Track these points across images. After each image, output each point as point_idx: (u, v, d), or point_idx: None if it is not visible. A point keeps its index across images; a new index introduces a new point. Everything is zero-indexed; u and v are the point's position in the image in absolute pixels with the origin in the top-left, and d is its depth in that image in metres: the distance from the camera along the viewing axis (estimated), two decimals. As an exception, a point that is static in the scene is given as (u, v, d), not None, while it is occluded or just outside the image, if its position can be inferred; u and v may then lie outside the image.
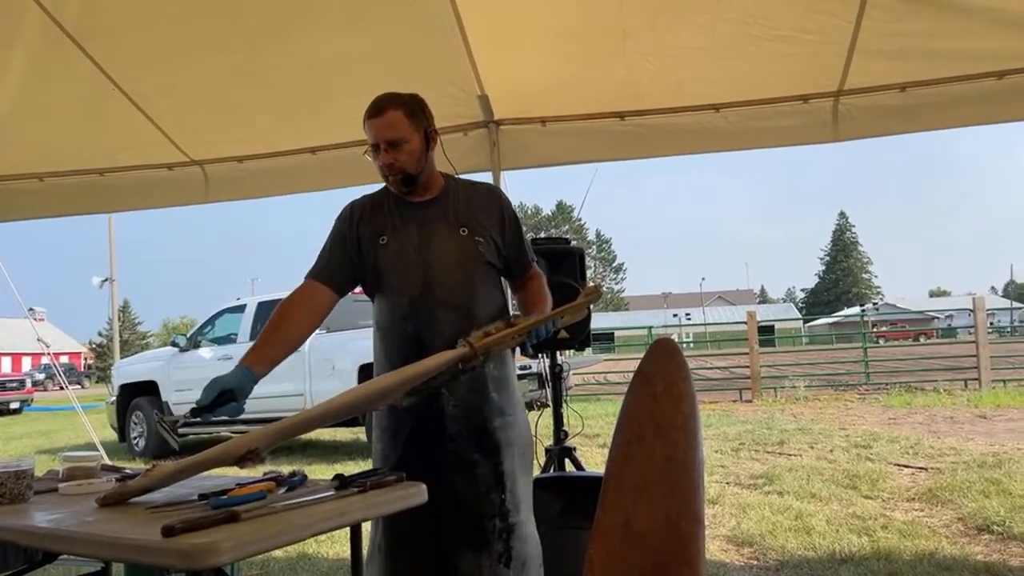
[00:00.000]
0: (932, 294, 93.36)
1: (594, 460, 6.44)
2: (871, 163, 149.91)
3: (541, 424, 3.65)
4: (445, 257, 2.05)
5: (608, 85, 3.29)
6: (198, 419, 1.86)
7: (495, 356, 2.00)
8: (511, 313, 2.14)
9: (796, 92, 3.19)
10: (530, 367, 7.84)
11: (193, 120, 3.61)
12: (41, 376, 35.19)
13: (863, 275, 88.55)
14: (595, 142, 3.46)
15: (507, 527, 2.04)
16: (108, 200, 4.06)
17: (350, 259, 2.13)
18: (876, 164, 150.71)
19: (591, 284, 2.25)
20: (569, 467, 3.24)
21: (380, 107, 2.04)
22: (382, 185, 2.18)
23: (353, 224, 2.14)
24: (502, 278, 2.20)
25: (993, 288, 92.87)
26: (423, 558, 1.99)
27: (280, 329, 2.03)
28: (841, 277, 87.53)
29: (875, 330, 36.85)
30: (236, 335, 8.87)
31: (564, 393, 3.38)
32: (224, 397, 1.83)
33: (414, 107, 2.08)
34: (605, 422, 9.25)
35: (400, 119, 2.03)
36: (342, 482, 1.68)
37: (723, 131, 3.31)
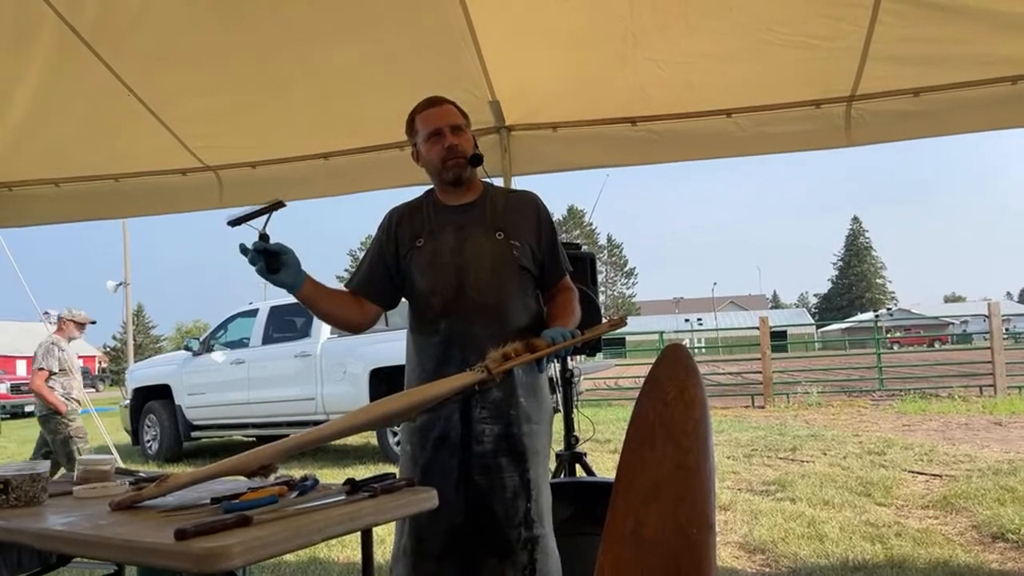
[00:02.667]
0: (947, 299, 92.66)
1: (605, 466, 6.42)
2: (884, 168, 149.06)
3: (552, 429, 3.65)
4: (479, 260, 2.06)
5: (619, 90, 3.29)
6: (242, 222, 1.84)
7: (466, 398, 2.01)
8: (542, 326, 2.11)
9: (808, 97, 3.18)
10: (541, 372, 7.83)
11: (207, 126, 3.64)
12: (56, 379, 35.39)
13: (877, 280, 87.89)
14: (606, 147, 3.46)
15: (532, 538, 2.03)
16: (123, 206, 4.10)
17: (388, 270, 2.17)
18: (890, 169, 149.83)
19: (618, 316, 2.26)
20: (580, 472, 3.23)
21: (438, 99, 2.17)
22: (425, 189, 2.24)
23: (391, 231, 2.18)
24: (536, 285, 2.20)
25: (1009, 294, 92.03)
26: (447, 562, 1.98)
27: (337, 296, 2.15)
28: (855, 282, 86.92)
29: (889, 336, 36.57)
30: (248, 339, 8.91)
31: (575, 398, 3.37)
32: (278, 259, 1.88)
33: (462, 110, 2.20)
34: (616, 427, 9.22)
35: (456, 112, 2.16)
36: (353, 486, 1.69)
37: (735, 136, 3.30)
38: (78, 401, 5.99)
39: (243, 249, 1.84)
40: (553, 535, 2.13)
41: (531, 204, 2.21)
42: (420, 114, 2.15)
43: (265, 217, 1.82)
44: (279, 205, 1.82)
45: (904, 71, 3.01)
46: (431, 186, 2.24)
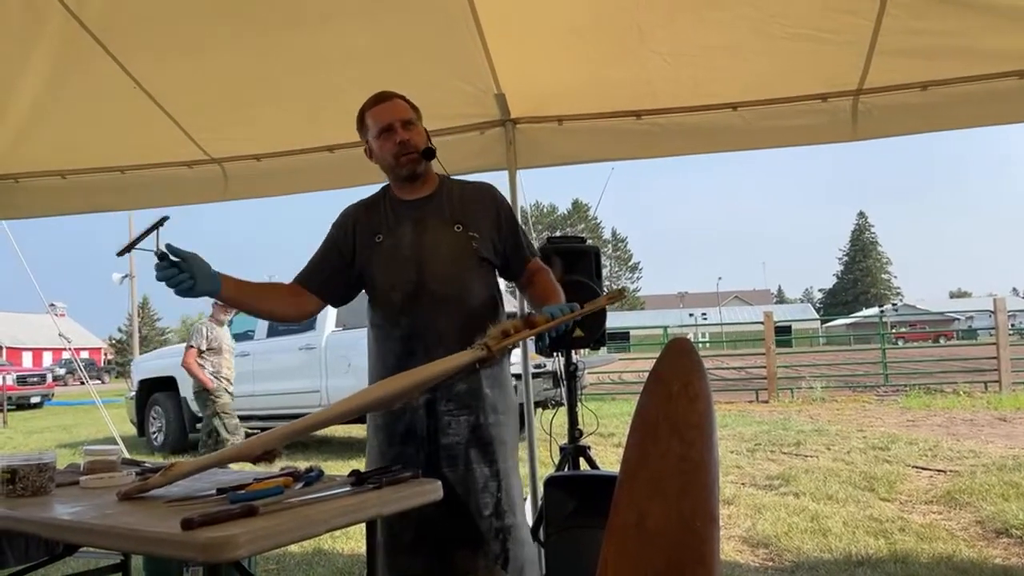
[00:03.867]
0: (952, 295, 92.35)
1: (609, 459, 6.43)
2: (891, 163, 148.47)
3: (556, 423, 3.66)
4: (439, 252, 2.07)
5: (624, 84, 3.28)
6: (132, 247, 1.75)
7: (465, 377, 2.03)
8: (526, 311, 2.14)
9: (815, 91, 3.16)
10: (545, 365, 7.84)
11: (212, 118, 3.64)
12: (62, 371, 35.59)
13: (882, 275, 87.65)
14: (611, 141, 3.45)
15: (503, 527, 2.04)
16: (129, 198, 4.11)
17: (343, 267, 2.15)
18: (896, 164, 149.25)
19: (616, 288, 2.24)
20: (584, 466, 3.24)
21: (386, 94, 2.15)
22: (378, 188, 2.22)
23: (349, 229, 2.17)
24: (498, 276, 2.22)
25: (1015, 289, 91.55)
26: (419, 555, 1.99)
27: (266, 286, 2.10)
28: (860, 277, 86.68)
29: (894, 331, 36.48)
30: (253, 332, 8.93)
31: (579, 392, 3.38)
32: (179, 266, 1.77)
33: (412, 104, 2.17)
34: (620, 421, 9.23)
35: (406, 106, 2.15)
36: (358, 478, 1.70)
37: (740, 130, 3.29)
38: (228, 379, 6.36)
39: (158, 277, 1.76)
40: (526, 524, 2.15)
41: (488, 195, 2.22)
42: (370, 111, 2.14)
43: (154, 236, 1.72)
44: (161, 222, 1.73)
45: (911, 65, 2.99)
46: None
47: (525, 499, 4.14)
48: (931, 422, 8.87)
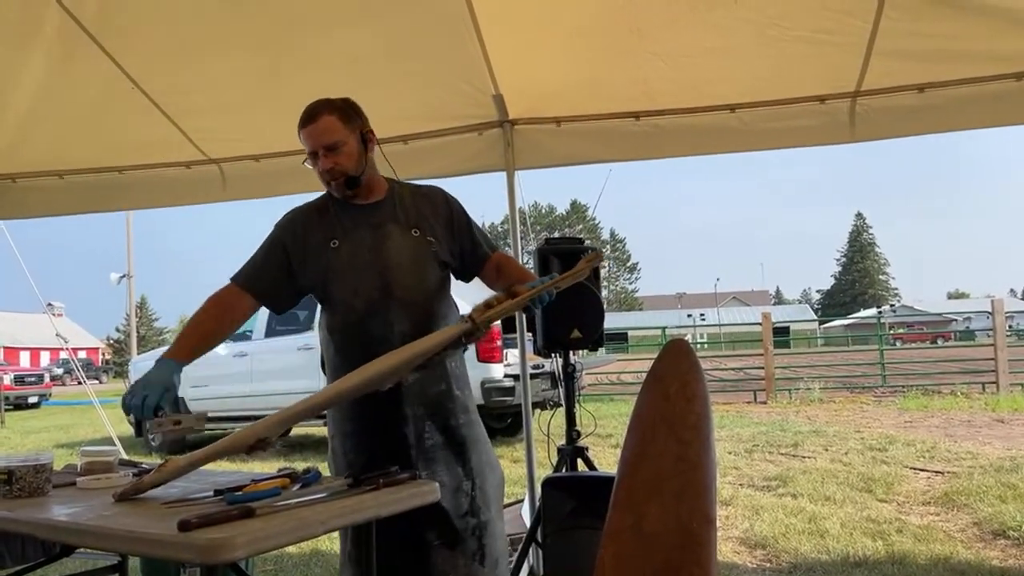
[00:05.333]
0: (950, 296, 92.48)
1: (607, 460, 6.43)
2: (888, 164, 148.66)
3: (554, 424, 3.66)
4: (401, 257, 2.05)
5: (623, 85, 3.28)
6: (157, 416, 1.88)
7: (452, 353, 2.02)
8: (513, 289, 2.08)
9: (813, 93, 3.17)
10: (543, 366, 7.84)
11: (210, 118, 3.64)
12: (59, 371, 35.52)
13: (880, 276, 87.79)
14: (610, 142, 3.45)
15: (479, 524, 2.06)
16: (126, 198, 4.10)
17: (286, 268, 2.11)
18: (893, 165, 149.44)
19: (592, 250, 2.19)
20: (582, 467, 3.23)
21: (313, 114, 2.06)
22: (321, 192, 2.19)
23: (296, 232, 2.11)
24: (453, 277, 2.22)
25: (1012, 291, 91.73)
26: (397, 560, 1.97)
27: (203, 325, 2.08)
28: (858, 278, 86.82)
29: (892, 332, 36.54)
30: (251, 332, 8.92)
31: (577, 393, 3.38)
32: (168, 394, 1.89)
33: (347, 110, 2.09)
34: (618, 422, 9.24)
35: (334, 123, 2.04)
36: (356, 479, 1.70)
37: (739, 131, 3.29)
38: None
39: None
40: (501, 517, 2.16)
41: (439, 198, 2.21)
42: (300, 130, 2.08)
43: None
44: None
45: (909, 67, 3.00)
46: None
47: (522, 500, 4.16)
48: (929, 423, 8.88)
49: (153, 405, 1.85)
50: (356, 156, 2.06)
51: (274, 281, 2.12)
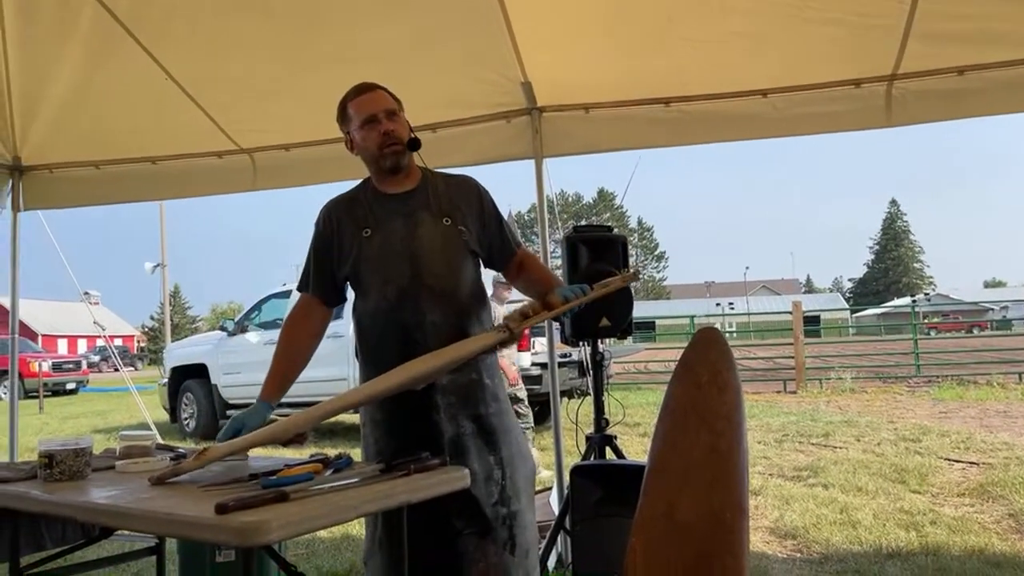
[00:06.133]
0: (987, 284, 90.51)
1: (635, 449, 6.42)
2: (924, 150, 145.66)
3: (582, 412, 3.66)
4: (432, 246, 2.06)
5: (652, 71, 3.25)
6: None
7: (485, 356, 2.06)
8: (532, 302, 2.12)
9: (847, 76, 3.11)
10: (571, 355, 7.84)
11: (241, 109, 3.68)
12: (96, 358, 36.28)
13: (915, 265, 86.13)
14: (638, 129, 3.42)
15: (510, 514, 2.07)
16: (160, 187, 4.17)
17: (332, 264, 2.14)
18: (929, 151, 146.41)
19: (631, 270, 2.26)
20: (610, 455, 3.23)
21: (368, 85, 2.13)
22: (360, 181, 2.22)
23: (332, 224, 2.14)
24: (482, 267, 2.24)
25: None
26: (427, 548, 1.97)
27: (288, 355, 2.12)
28: (891, 267, 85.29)
29: (926, 321, 35.88)
30: (282, 320, 9.03)
31: (605, 381, 3.37)
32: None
33: (393, 94, 2.15)
34: (646, 411, 9.21)
35: (389, 96, 2.13)
36: (387, 465, 1.71)
37: (771, 117, 3.24)
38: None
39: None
40: (532, 508, 2.17)
41: (472, 188, 2.21)
42: (352, 101, 2.11)
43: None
44: None
45: (948, 49, 2.92)
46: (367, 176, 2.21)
47: (550, 488, 4.17)
48: (964, 414, 8.72)
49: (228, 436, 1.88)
50: (407, 130, 2.11)
51: (331, 279, 2.16)
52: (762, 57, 3.11)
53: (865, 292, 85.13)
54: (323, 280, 2.16)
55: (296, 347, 2.13)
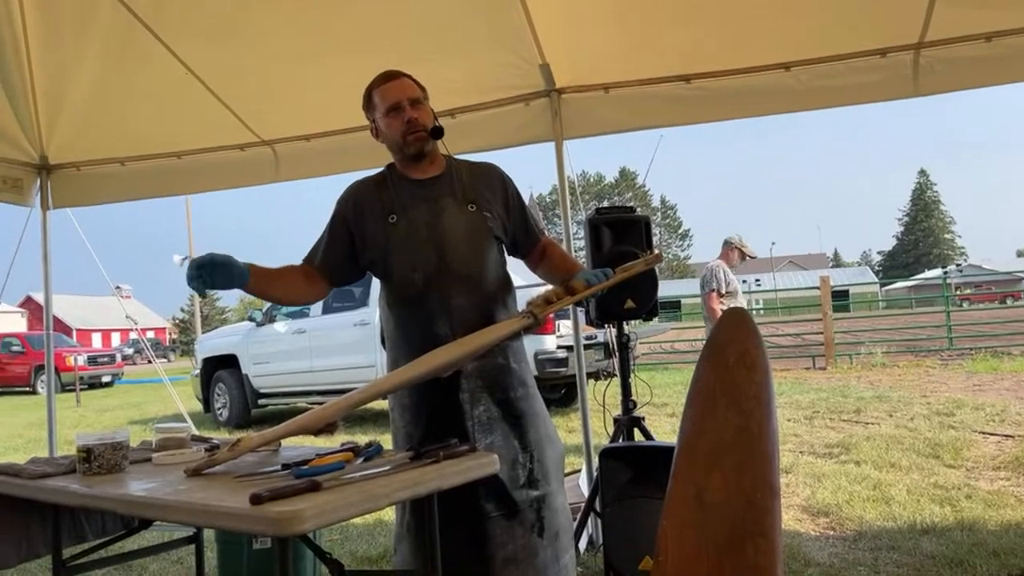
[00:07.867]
0: (1020, 254, 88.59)
1: (663, 430, 6.41)
2: (953, 118, 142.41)
3: (609, 394, 3.65)
4: (457, 232, 2.07)
5: (672, 48, 3.20)
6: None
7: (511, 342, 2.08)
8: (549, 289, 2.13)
9: (873, 46, 3.04)
10: (596, 336, 7.82)
11: (261, 101, 3.69)
12: (130, 351, 36.92)
13: (945, 236, 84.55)
14: (659, 107, 3.38)
15: (538, 497, 2.08)
16: (185, 182, 4.22)
17: (350, 243, 2.14)
18: (958, 119, 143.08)
19: (654, 251, 2.26)
20: (638, 437, 3.23)
21: (394, 73, 2.14)
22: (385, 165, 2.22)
23: (356, 207, 2.15)
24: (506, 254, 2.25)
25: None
26: (455, 531, 1.98)
27: (281, 271, 2.13)
28: (921, 238, 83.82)
29: (959, 292, 35.25)
30: (309, 310, 9.11)
31: (631, 362, 3.36)
32: (221, 270, 1.88)
33: (418, 82, 2.16)
34: (673, 391, 9.18)
35: (413, 84, 2.13)
36: (417, 452, 1.73)
37: (794, 91, 3.18)
38: None
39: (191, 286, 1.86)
40: (563, 492, 2.18)
41: (496, 175, 2.22)
42: (377, 89, 2.12)
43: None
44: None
45: (976, 14, 2.85)
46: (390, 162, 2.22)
47: (579, 471, 4.18)
48: (998, 386, 8.58)
49: (212, 263, 1.87)
50: (431, 118, 2.12)
51: (343, 257, 2.17)
52: (784, 30, 3.05)
53: (895, 265, 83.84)
54: (333, 257, 2.16)
55: (290, 281, 2.13)
